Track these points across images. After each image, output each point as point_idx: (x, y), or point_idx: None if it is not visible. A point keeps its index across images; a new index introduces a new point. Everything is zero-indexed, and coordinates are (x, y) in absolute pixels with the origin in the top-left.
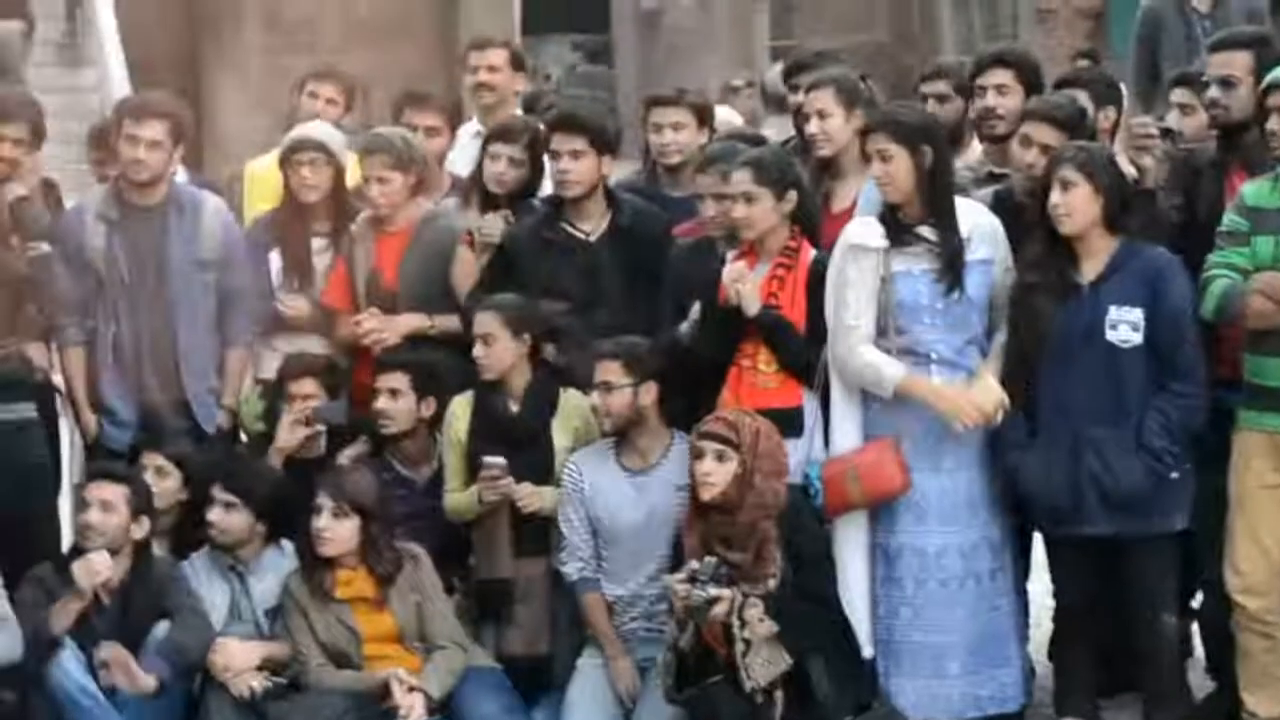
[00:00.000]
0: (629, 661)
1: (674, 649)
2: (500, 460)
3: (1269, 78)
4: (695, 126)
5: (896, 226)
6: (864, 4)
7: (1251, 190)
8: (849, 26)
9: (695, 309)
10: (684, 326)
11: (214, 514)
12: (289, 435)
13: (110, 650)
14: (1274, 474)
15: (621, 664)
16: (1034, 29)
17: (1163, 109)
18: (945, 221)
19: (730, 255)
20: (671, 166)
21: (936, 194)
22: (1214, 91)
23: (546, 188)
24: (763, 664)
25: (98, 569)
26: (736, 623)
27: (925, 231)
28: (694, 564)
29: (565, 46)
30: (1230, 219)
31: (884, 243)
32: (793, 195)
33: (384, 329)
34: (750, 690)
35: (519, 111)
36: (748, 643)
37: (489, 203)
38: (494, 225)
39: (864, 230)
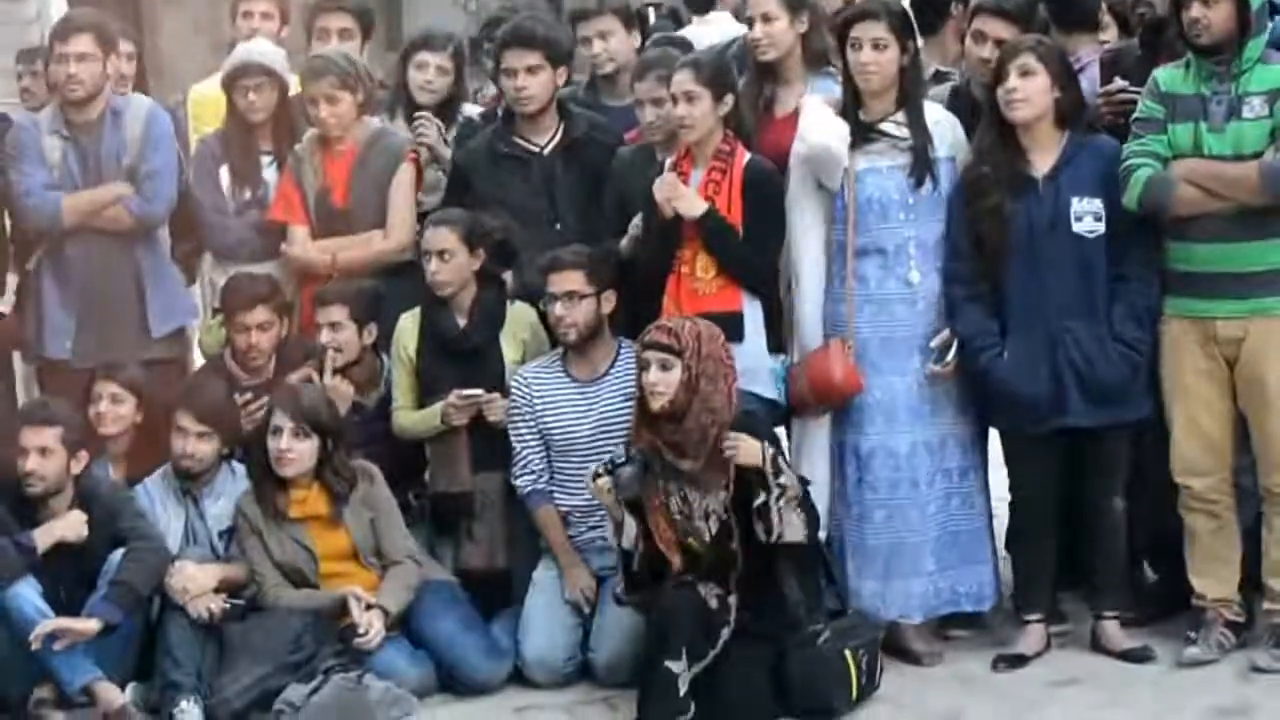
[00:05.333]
0: (584, 569)
1: (619, 552)
2: (477, 391)
3: None
4: (624, 32)
5: (858, 125)
6: None
7: (1165, 76)
8: None
9: (634, 223)
10: (623, 242)
11: (189, 445)
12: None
13: (40, 631)
14: (1205, 358)
15: (576, 572)
16: None
17: None
18: (915, 115)
19: (669, 162)
20: (608, 75)
21: (912, 88)
22: None
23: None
24: (793, 522)
25: (57, 531)
26: (770, 469)
27: (888, 127)
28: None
29: None
30: (1146, 105)
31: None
32: (729, 99)
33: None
34: (769, 538)
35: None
36: (782, 489)
37: (415, 114)
38: (429, 129)
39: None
